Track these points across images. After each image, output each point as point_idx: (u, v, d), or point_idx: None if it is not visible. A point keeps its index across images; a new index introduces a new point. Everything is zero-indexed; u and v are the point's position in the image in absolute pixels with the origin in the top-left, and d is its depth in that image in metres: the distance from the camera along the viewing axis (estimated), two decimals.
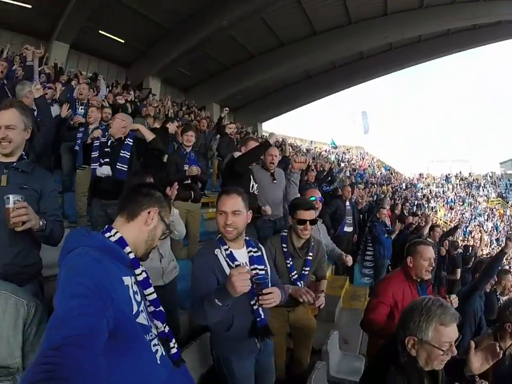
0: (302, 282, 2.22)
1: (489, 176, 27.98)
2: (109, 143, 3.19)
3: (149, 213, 1.15)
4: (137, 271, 1.11)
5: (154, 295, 1.15)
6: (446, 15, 14.56)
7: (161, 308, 1.17)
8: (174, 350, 1.16)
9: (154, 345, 1.08)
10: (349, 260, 2.86)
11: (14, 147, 1.65)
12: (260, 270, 1.64)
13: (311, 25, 15.70)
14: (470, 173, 29.27)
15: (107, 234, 1.10)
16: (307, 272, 2.28)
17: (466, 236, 20.46)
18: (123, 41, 14.85)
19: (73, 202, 3.93)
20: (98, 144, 3.23)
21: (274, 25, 15.32)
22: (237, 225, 1.60)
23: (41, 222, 1.51)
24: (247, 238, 1.74)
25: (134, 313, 1.02)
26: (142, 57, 16.04)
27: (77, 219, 3.85)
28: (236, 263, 1.59)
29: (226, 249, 1.62)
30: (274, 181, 3.25)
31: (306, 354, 2.40)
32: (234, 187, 1.70)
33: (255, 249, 1.71)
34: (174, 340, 1.18)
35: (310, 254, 2.30)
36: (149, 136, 3.16)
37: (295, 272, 2.23)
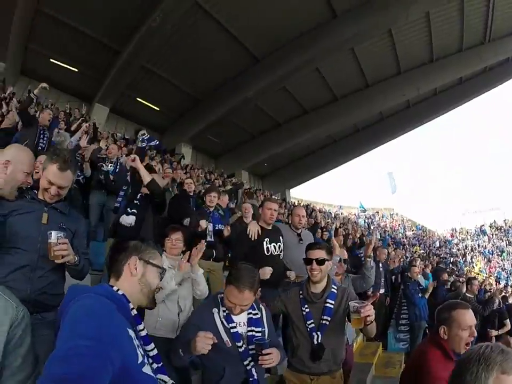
0: (319, 333, 1.97)
1: None
2: (138, 196, 3.36)
3: (128, 264, 1.20)
4: (140, 327, 1.16)
5: (155, 351, 1.18)
6: (455, 64, 14.99)
7: (162, 363, 1.20)
8: None
9: None
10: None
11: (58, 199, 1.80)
12: (256, 332, 1.70)
13: (331, 91, 16.50)
14: (504, 220, 27.48)
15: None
16: (326, 323, 1.99)
17: (509, 287, 18.53)
18: (158, 108, 16.22)
19: (98, 251, 3.95)
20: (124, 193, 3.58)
21: (296, 94, 16.22)
22: (245, 309, 1.68)
23: (76, 258, 1.70)
24: None
25: (139, 362, 1.04)
26: (175, 125, 17.19)
27: (103, 267, 3.81)
28: (232, 324, 1.66)
29: (224, 310, 1.68)
30: (301, 241, 3.16)
31: None
32: (247, 275, 1.63)
33: (255, 311, 1.76)
34: None
35: (330, 301, 2.03)
36: (147, 178, 3.14)
37: (312, 320, 2.01)
